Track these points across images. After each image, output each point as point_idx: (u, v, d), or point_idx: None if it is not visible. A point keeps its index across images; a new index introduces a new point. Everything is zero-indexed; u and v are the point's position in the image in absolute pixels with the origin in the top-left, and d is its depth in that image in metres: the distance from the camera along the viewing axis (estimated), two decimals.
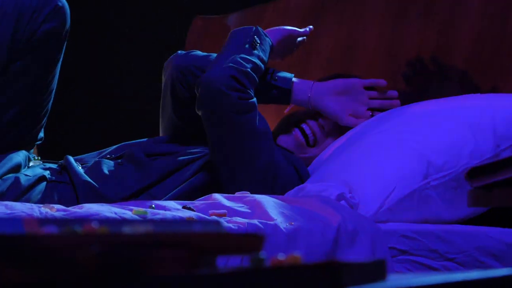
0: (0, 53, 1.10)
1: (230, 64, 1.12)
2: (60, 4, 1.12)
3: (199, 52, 1.29)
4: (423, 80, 1.41)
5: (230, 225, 0.80)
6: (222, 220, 0.83)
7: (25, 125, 1.19)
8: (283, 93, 1.30)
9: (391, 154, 1.09)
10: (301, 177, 1.19)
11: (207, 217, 0.84)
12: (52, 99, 1.19)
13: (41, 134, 1.23)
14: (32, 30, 1.11)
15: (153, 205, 0.90)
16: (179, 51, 1.28)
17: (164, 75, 1.29)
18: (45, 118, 1.21)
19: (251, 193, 1.05)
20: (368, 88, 1.28)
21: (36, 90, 1.17)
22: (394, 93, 1.28)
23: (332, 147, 1.26)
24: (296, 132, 1.31)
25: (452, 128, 1.08)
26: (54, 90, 1.20)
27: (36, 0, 1.10)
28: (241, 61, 1.14)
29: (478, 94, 1.17)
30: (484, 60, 1.36)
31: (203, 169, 1.19)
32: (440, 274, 0.73)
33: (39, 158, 1.24)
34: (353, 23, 1.50)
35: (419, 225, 0.98)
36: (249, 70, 1.14)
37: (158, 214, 0.84)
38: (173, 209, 0.88)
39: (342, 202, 0.99)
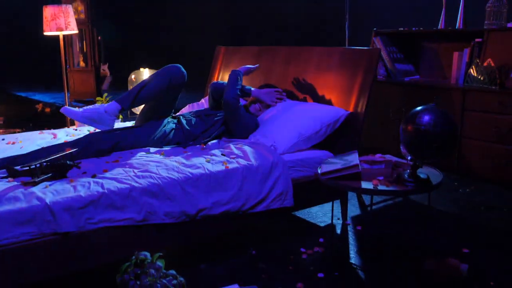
0: (163, 88, 2.77)
1: (233, 92, 2.79)
2: (184, 73, 2.81)
3: (220, 81, 2.95)
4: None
5: (236, 164, 2.50)
6: (233, 160, 2.55)
7: (168, 110, 2.90)
8: (248, 94, 2.99)
9: (292, 125, 2.82)
10: (258, 126, 2.93)
11: (228, 159, 2.56)
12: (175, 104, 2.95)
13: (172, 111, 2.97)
14: (174, 82, 2.78)
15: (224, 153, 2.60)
16: (213, 82, 2.96)
17: (208, 88, 2.99)
18: (173, 108, 2.95)
19: (243, 137, 2.82)
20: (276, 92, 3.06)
21: (173, 100, 2.88)
22: (284, 94, 3.05)
23: (267, 114, 3.00)
24: (254, 106, 3.04)
25: (311, 118, 2.79)
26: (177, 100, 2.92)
27: (176, 71, 2.75)
28: (237, 88, 2.81)
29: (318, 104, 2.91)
30: None
31: (223, 125, 2.90)
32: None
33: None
34: (269, 62, 3.15)
35: (297, 154, 2.75)
36: (238, 92, 2.81)
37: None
38: (219, 155, 2.58)
39: (272, 147, 2.73)
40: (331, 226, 2.83)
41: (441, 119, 1.86)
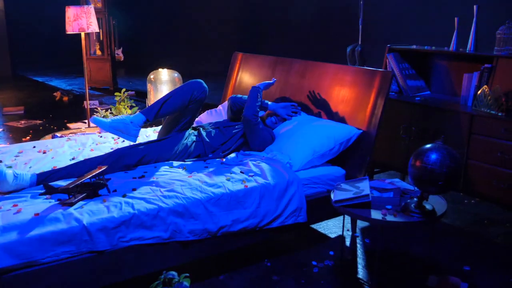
0: (186, 102, 2.95)
1: (253, 109, 2.97)
2: (205, 89, 3.00)
3: (239, 95, 3.12)
4: None
5: (255, 183, 2.68)
6: (252, 178, 2.72)
7: (189, 122, 3.06)
8: (265, 108, 3.16)
9: (307, 142, 2.97)
10: (274, 139, 3.10)
11: (247, 177, 2.73)
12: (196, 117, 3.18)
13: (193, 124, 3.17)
14: (197, 97, 2.95)
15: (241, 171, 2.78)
16: (232, 95, 3.13)
17: (227, 99, 3.20)
18: (194, 120, 3.14)
19: (260, 149, 3.02)
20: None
21: (194, 114, 3.04)
22: (299, 108, 3.23)
23: (283, 128, 3.16)
24: (270, 119, 3.21)
25: (325, 136, 2.94)
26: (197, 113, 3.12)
27: (198, 86, 2.95)
28: (256, 105, 2.99)
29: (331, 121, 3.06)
30: None
31: (242, 137, 3.08)
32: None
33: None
34: (285, 74, 3.30)
35: (311, 171, 2.92)
36: (258, 109, 2.98)
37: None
38: (238, 172, 2.76)
39: (287, 165, 2.90)
40: (341, 238, 3.01)
41: (446, 159, 2.02)
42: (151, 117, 2.95)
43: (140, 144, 2.91)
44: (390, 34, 5.97)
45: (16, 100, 7.53)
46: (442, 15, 5.15)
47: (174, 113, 3.04)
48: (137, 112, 2.97)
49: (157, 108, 2.96)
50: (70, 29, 4.75)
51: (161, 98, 3.03)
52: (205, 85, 3.04)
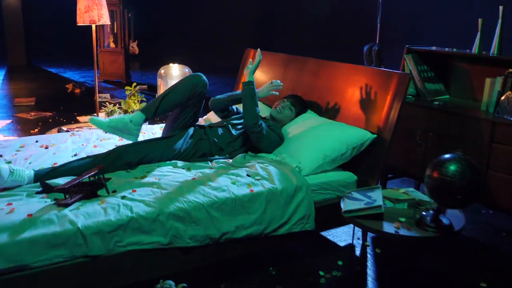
0: (185, 97, 2.84)
1: (253, 116, 2.85)
2: (205, 82, 2.88)
3: (217, 96, 3.24)
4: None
5: (261, 187, 2.56)
6: (258, 182, 2.60)
7: (193, 118, 2.97)
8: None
9: (318, 146, 2.84)
10: (283, 140, 2.97)
11: (254, 180, 2.61)
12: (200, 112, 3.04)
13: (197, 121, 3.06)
14: (196, 91, 2.84)
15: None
16: (211, 99, 3.20)
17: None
18: (198, 117, 3.03)
19: (269, 152, 2.92)
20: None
21: (196, 109, 2.94)
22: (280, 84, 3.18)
23: (293, 131, 3.02)
24: (275, 109, 3.10)
25: (337, 139, 2.81)
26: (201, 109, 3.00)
27: (197, 80, 2.84)
28: (255, 109, 2.88)
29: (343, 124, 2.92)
30: None
31: (248, 139, 2.94)
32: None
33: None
34: (297, 72, 3.15)
35: (321, 176, 2.78)
36: (258, 111, 2.88)
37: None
38: (244, 175, 2.63)
39: (297, 169, 2.77)
40: (351, 247, 2.88)
41: (467, 172, 1.87)
42: (150, 114, 2.84)
43: (143, 141, 2.80)
44: (408, 33, 5.80)
45: (28, 91, 7.49)
46: (465, 15, 4.96)
47: (174, 109, 2.93)
48: (137, 111, 2.86)
49: (156, 105, 2.84)
50: (81, 20, 4.67)
51: (160, 94, 2.92)
52: (204, 78, 2.91)
